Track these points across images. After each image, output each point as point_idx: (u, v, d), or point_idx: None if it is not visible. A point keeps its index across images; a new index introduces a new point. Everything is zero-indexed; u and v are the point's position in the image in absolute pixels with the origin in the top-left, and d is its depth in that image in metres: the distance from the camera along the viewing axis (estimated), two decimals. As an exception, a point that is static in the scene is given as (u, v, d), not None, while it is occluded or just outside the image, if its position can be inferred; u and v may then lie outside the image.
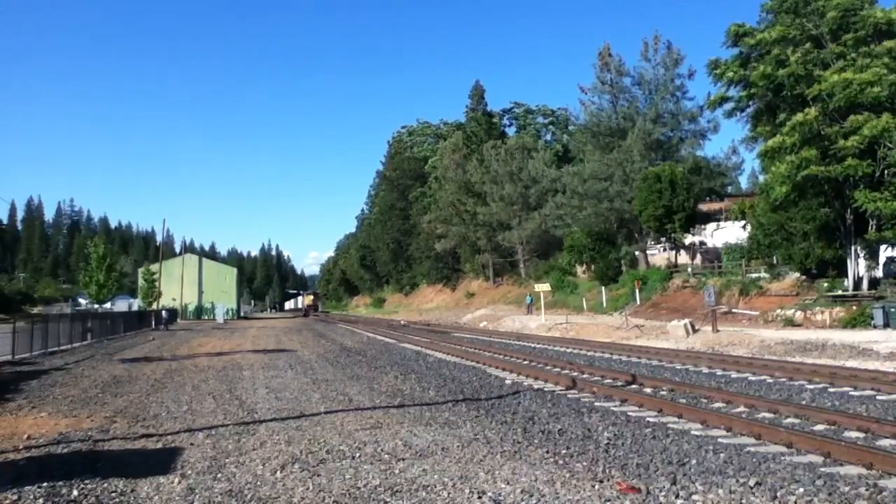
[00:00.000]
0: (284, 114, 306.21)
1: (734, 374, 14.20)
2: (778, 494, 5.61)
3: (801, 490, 5.71)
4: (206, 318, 78.29)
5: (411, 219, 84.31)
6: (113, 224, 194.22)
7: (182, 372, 16.72)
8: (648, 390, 12.09)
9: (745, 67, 27.91)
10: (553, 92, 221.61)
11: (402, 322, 52.93)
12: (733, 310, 29.63)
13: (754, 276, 32.47)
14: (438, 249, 73.49)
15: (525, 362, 17.66)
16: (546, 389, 12.50)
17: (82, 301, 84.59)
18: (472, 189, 66.24)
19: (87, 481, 6.31)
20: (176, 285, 74.25)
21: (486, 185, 63.53)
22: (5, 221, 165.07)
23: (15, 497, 5.80)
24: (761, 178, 30.75)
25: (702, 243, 43.64)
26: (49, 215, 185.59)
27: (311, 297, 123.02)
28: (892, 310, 21.96)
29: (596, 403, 10.70)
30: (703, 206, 43.26)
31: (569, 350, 21.95)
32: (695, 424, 8.79)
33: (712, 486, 5.92)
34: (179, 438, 8.50)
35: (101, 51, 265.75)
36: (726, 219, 41.12)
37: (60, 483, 6.23)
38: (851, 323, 23.32)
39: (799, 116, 24.42)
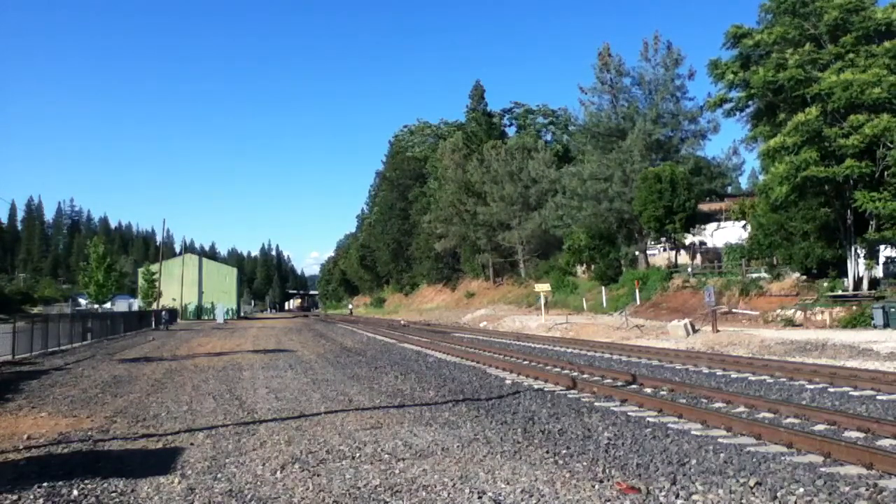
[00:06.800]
0: (284, 114, 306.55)
1: (734, 374, 14.19)
2: (778, 494, 5.61)
3: (802, 490, 5.71)
4: (206, 318, 78.29)
5: (411, 219, 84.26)
6: (113, 224, 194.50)
7: (182, 372, 16.72)
8: (648, 390, 12.09)
9: (745, 68, 27.93)
10: (553, 92, 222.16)
11: (402, 322, 52.92)
12: (733, 310, 29.63)
13: (754, 276, 32.46)
14: (438, 249, 73.49)
15: (525, 362, 17.66)
16: (546, 389, 12.49)
17: (82, 301, 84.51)
18: (472, 189, 66.22)
19: (87, 481, 6.31)
20: (176, 285, 74.26)
21: (486, 185, 63.52)
22: (5, 221, 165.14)
23: (15, 497, 5.80)
24: (761, 178, 30.76)
25: (702, 243, 43.63)
26: (49, 215, 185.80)
27: (300, 300, 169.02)
28: (892, 310, 21.97)
29: (596, 403, 10.69)
30: (704, 207, 43.25)
31: (569, 350, 21.95)
32: (695, 424, 8.79)
33: (712, 486, 5.92)
34: (179, 438, 8.50)
35: (101, 51, 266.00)
36: (726, 219, 41.12)
37: (60, 483, 6.24)
38: (851, 323, 23.33)
39: (800, 116, 24.44)
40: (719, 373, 14.63)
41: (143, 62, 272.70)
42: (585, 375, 14.50)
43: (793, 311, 26.20)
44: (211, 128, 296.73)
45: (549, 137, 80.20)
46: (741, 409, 9.93)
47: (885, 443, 7.55)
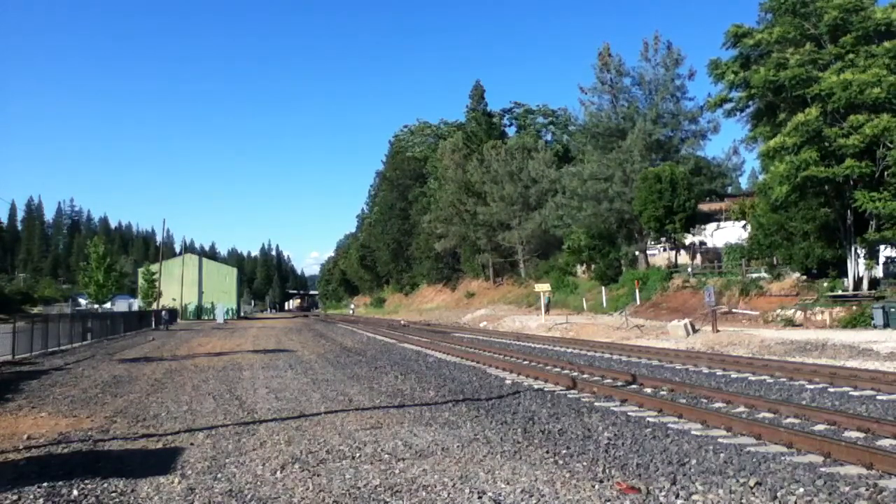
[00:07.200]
0: (284, 114, 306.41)
1: (734, 374, 14.20)
2: (778, 494, 5.61)
3: (801, 490, 5.71)
4: (207, 318, 78.31)
5: (411, 219, 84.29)
6: (113, 224, 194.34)
7: (182, 372, 16.72)
8: (648, 390, 12.09)
9: (745, 68, 27.93)
10: (553, 92, 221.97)
11: (402, 322, 52.92)
12: (733, 310, 29.63)
13: (754, 276, 32.47)
14: (438, 249, 73.49)
15: (525, 362, 17.66)
16: (546, 389, 12.50)
17: (82, 301, 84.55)
18: (472, 189, 66.23)
19: (87, 481, 6.31)
20: (176, 285, 74.26)
21: (486, 185, 63.53)
22: (5, 221, 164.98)
23: (15, 497, 5.80)
24: (761, 178, 30.77)
25: (702, 243, 43.63)
26: (49, 215, 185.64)
27: (299, 300, 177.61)
28: (892, 310, 21.97)
29: (596, 403, 10.70)
30: (704, 207, 43.26)
31: (569, 350, 21.95)
32: (695, 424, 8.79)
33: (712, 486, 5.92)
34: (179, 438, 8.50)
35: (101, 51, 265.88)
36: (726, 219, 41.13)
37: (60, 483, 6.24)
38: (851, 323, 23.32)
39: (800, 116, 24.45)
40: (719, 373, 14.63)
41: (143, 62, 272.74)
42: (585, 375, 14.50)
43: (793, 311, 26.19)
44: (211, 128, 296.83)
45: (549, 137, 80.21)
46: (741, 409, 9.93)
47: (885, 443, 7.55)
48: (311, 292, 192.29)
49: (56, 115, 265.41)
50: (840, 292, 26.44)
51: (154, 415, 10.32)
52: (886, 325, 21.68)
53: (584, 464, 6.80)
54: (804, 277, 29.25)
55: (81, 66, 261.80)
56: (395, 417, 9.66)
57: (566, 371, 15.39)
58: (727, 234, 40.54)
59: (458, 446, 7.64)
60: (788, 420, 8.99)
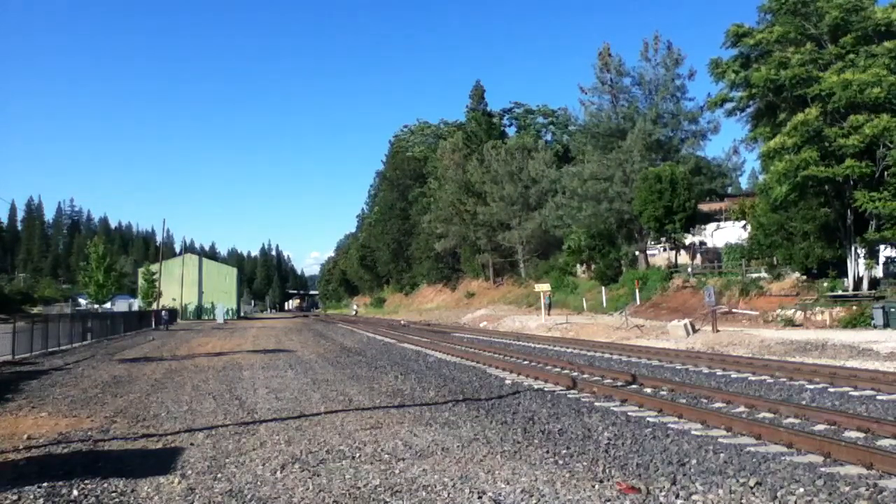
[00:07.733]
0: (284, 114, 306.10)
1: (734, 374, 14.20)
2: (778, 494, 5.61)
3: (801, 490, 5.70)
4: (206, 318, 78.31)
5: (411, 219, 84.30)
6: (113, 224, 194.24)
7: (182, 372, 16.72)
8: (648, 390, 12.08)
9: (745, 68, 27.95)
10: (553, 92, 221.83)
11: (402, 322, 52.93)
12: (733, 310, 29.62)
13: (754, 276, 32.47)
14: (438, 249, 73.48)
15: (525, 362, 17.66)
16: (546, 389, 12.50)
17: (82, 301, 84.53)
18: (472, 189, 66.24)
19: (87, 481, 6.31)
20: (176, 285, 74.25)
21: (486, 185, 63.54)
22: (5, 221, 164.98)
23: (15, 497, 5.80)
24: (761, 178, 30.80)
25: (702, 243, 43.63)
26: (49, 215, 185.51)
27: (299, 300, 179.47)
28: (892, 310, 21.97)
29: (596, 403, 10.70)
30: (704, 207, 43.25)
31: (569, 350, 21.95)
32: (695, 424, 8.79)
33: (712, 486, 5.92)
34: (179, 438, 8.50)
35: (101, 51, 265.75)
36: (726, 219, 41.13)
37: (60, 483, 6.24)
38: (851, 323, 23.32)
39: (800, 116, 24.47)
40: (719, 373, 14.63)
41: (142, 62, 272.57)
42: (585, 375, 14.50)
43: (793, 311, 26.19)
44: (211, 128, 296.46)
45: (549, 137, 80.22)
46: (741, 409, 9.93)
47: (885, 443, 7.55)
48: (312, 292, 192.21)
49: (56, 115, 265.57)
50: (840, 292, 26.44)
51: (154, 415, 10.32)
52: (886, 325, 21.68)
53: (585, 464, 6.80)
54: (804, 277, 29.25)
55: (81, 66, 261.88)
56: (395, 417, 9.66)
57: (566, 371, 15.39)
58: (727, 234, 40.54)
59: (458, 446, 7.64)
60: (788, 420, 8.99)
